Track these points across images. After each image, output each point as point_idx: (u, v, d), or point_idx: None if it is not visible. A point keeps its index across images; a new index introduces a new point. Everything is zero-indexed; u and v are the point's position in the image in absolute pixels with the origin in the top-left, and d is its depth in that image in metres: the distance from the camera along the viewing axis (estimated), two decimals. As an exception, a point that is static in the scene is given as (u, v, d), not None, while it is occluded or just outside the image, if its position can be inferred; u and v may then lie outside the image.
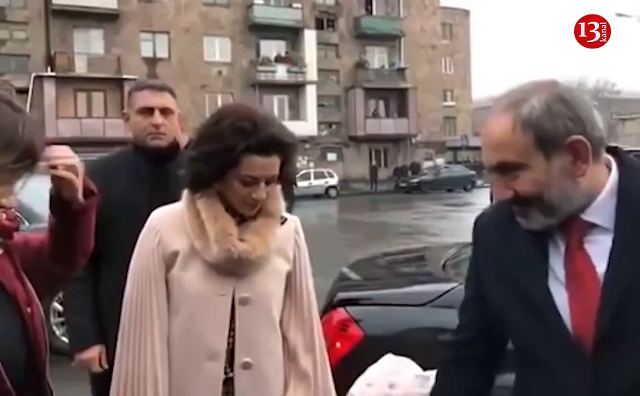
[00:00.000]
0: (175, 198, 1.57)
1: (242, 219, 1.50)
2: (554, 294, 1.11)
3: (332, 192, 29.48)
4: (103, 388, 1.72)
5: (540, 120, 1.05)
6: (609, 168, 1.12)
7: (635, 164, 1.13)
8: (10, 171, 1.07)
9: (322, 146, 35.32)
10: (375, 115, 36.94)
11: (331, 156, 35.88)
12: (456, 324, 1.38)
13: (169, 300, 1.51)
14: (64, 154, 1.20)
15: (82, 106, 29.83)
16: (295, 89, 34.40)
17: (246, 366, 1.50)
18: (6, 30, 29.24)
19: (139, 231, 1.54)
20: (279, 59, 33.88)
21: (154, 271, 1.49)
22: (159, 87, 2.21)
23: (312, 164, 32.18)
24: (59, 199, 1.24)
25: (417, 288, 2.72)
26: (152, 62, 31.25)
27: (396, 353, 1.81)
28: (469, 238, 1.38)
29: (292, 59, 33.97)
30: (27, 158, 1.08)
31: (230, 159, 1.40)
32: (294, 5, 34.30)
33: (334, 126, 36.36)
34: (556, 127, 1.05)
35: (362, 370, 1.77)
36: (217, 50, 33.04)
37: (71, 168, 1.20)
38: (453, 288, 2.28)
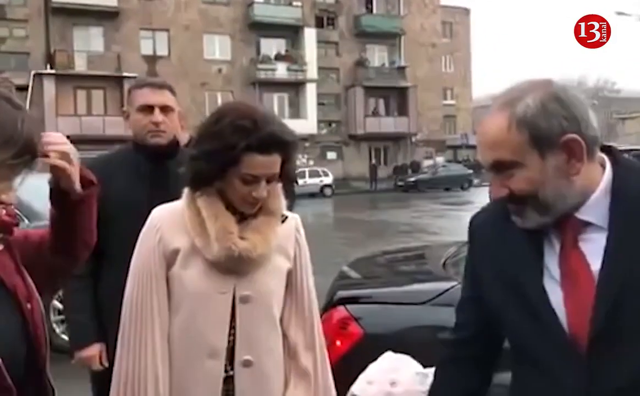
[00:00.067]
0: (175, 196, 1.57)
1: (242, 218, 1.50)
2: (549, 293, 1.12)
3: (327, 191, 29.40)
4: (103, 386, 1.72)
5: (535, 119, 1.06)
6: (603, 167, 1.13)
7: (629, 163, 1.14)
8: (10, 166, 1.07)
9: (322, 145, 35.31)
10: (375, 113, 36.92)
11: (331, 155, 35.86)
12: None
13: (170, 298, 1.51)
14: (56, 141, 1.19)
15: (81, 103, 29.80)
16: (295, 87, 34.37)
17: (246, 364, 1.50)
18: (6, 27, 29.20)
19: (139, 228, 1.54)
20: (279, 57, 33.85)
21: (155, 269, 1.49)
22: (159, 84, 2.21)
23: (312, 163, 32.18)
24: (58, 189, 1.24)
25: (417, 287, 2.72)
26: (151, 59, 31.22)
27: (396, 351, 1.82)
28: (468, 237, 1.38)
29: (292, 57, 33.94)
30: (26, 154, 1.08)
31: (231, 157, 1.40)
32: (294, 3, 34.27)
33: (333, 125, 36.35)
34: (551, 126, 1.06)
35: (362, 368, 1.77)
36: (217, 48, 33.01)
37: (64, 156, 1.20)
38: (453, 287, 2.28)
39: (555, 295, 1.11)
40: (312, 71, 34.14)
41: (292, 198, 2.93)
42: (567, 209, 1.10)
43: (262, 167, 1.43)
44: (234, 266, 1.47)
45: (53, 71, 28.79)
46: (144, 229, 1.54)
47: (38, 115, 25.21)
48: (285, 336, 1.59)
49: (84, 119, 28.77)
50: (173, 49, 31.93)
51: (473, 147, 38.97)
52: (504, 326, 1.23)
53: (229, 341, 1.49)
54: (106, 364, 2.05)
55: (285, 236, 1.58)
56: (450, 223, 14.78)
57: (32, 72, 28.20)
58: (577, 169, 1.07)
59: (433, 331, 2.17)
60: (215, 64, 32.84)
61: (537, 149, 1.07)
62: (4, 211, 1.14)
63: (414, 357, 1.77)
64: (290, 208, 1.67)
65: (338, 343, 2.30)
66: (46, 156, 1.16)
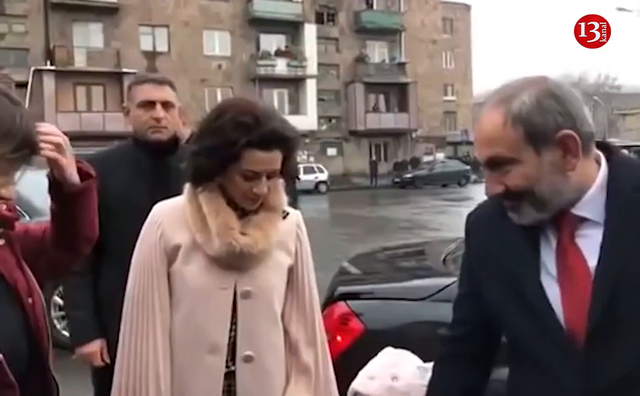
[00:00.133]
0: (175, 192, 1.57)
1: (243, 213, 1.51)
2: (546, 288, 1.12)
3: (322, 187, 29.30)
4: (104, 382, 1.72)
5: (530, 115, 1.07)
6: (599, 163, 1.13)
7: (624, 159, 1.15)
8: (9, 161, 1.08)
9: (322, 141, 35.28)
10: (376, 109, 36.89)
11: (331, 151, 35.84)
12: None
13: (171, 294, 1.51)
14: (48, 131, 1.19)
15: (81, 99, 29.76)
16: (295, 83, 34.32)
17: (248, 359, 1.50)
18: (5, 23, 29.13)
19: (140, 224, 1.55)
20: (278, 53, 33.79)
21: (156, 265, 1.49)
22: (160, 80, 2.21)
23: (312, 159, 32.16)
24: (55, 181, 1.24)
25: (417, 282, 2.72)
26: (151, 55, 31.16)
27: (397, 347, 1.82)
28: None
29: (292, 53, 33.89)
30: (25, 148, 1.09)
31: (232, 153, 1.40)
32: (294, -1, 34.23)
33: (334, 121, 36.32)
34: (546, 122, 1.06)
35: (363, 364, 1.77)
36: (217, 44, 32.95)
37: (57, 147, 1.20)
38: (453, 282, 2.28)
39: (552, 291, 1.12)
40: (312, 67, 34.08)
41: (294, 194, 2.93)
42: (563, 204, 1.10)
43: (262, 163, 1.43)
44: (235, 262, 1.47)
45: (53, 67, 28.73)
46: (145, 225, 1.54)
47: (38, 111, 25.20)
48: (286, 332, 1.59)
49: (83, 115, 28.73)
50: (173, 45, 31.87)
51: (473, 143, 38.87)
52: (501, 323, 1.23)
53: (230, 337, 1.50)
54: (107, 360, 2.05)
55: (286, 232, 1.58)
56: (451, 219, 14.77)
57: (32, 69, 28.15)
58: (572, 164, 1.08)
59: (433, 327, 2.16)
60: (215, 60, 32.79)
61: (533, 145, 1.07)
62: (4, 206, 1.14)
63: (414, 352, 1.77)
64: (293, 204, 1.67)
65: (339, 338, 2.31)
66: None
